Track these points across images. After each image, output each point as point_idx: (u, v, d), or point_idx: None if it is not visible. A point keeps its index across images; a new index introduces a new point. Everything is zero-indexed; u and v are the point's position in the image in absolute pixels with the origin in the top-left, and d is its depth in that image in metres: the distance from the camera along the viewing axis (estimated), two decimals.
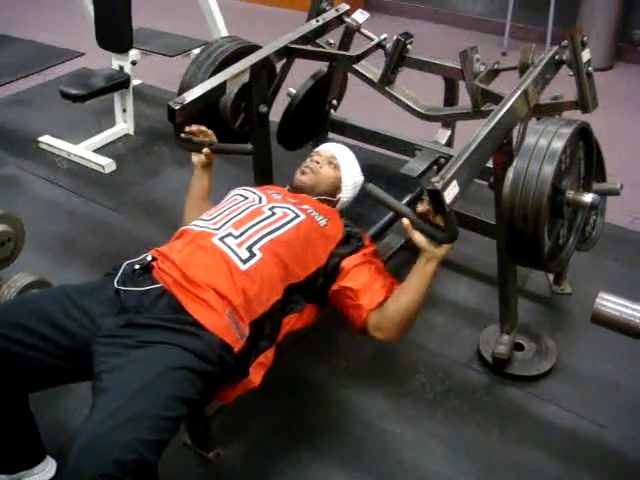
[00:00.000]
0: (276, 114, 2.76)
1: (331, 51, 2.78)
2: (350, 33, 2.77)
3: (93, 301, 1.78)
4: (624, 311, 1.65)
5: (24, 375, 1.75)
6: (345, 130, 3.17)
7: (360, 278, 1.96)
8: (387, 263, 2.54)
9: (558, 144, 1.85)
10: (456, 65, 2.52)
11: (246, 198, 2.08)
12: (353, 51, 2.67)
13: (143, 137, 4.11)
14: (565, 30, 2.36)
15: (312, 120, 3.02)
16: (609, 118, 3.27)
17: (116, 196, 3.54)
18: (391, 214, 2.45)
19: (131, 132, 4.13)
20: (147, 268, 1.84)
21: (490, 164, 2.14)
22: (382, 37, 2.66)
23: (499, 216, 2.22)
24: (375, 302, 1.91)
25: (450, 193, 1.67)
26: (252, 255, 1.86)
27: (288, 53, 2.59)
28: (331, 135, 3.18)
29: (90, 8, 3.99)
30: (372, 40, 2.67)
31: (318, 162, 2.28)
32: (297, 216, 2.00)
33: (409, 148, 3.04)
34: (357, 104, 3.46)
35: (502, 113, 1.94)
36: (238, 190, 2.17)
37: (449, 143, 3.18)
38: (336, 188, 2.28)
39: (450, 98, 3.04)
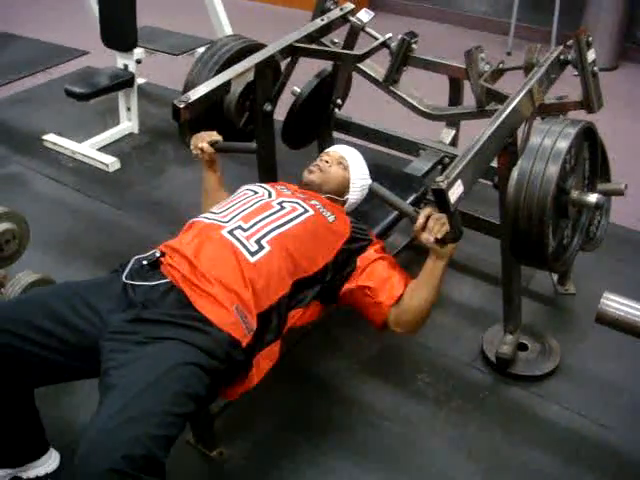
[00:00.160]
0: (280, 113, 2.76)
1: (336, 50, 2.78)
2: (355, 32, 2.76)
3: (100, 297, 1.78)
4: (629, 311, 1.64)
5: (30, 371, 1.75)
6: (349, 129, 3.17)
7: (376, 275, 1.98)
8: None
9: (563, 144, 1.85)
10: (461, 64, 2.52)
11: (256, 192, 2.10)
12: (358, 50, 2.67)
13: (147, 136, 4.11)
14: (570, 30, 2.37)
15: (316, 119, 3.02)
16: (614, 118, 3.27)
17: (120, 194, 3.55)
18: (395, 213, 2.45)
19: (135, 131, 4.13)
20: (155, 264, 1.84)
21: (495, 164, 2.14)
22: (387, 36, 2.66)
23: (503, 216, 2.21)
24: (394, 297, 1.94)
25: (455, 193, 1.67)
26: (261, 248, 1.87)
27: (293, 52, 2.59)
28: (335, 134, 3.18)
29: (95, 7, 4.00)
30: (377, 39, 2.67)
31: (327, 162, 2.29)
32: (306, 211, 2.02)
33: (413, 147, 3.04)
34: (361, 103, 3.46)
35: (507, 113, 1.94)
36: (248, 185, 2.19)
37: (453, 143, 3.18)
38: (344, 189, 2.28)
39: (455, 98, 3.03)
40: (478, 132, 1.86)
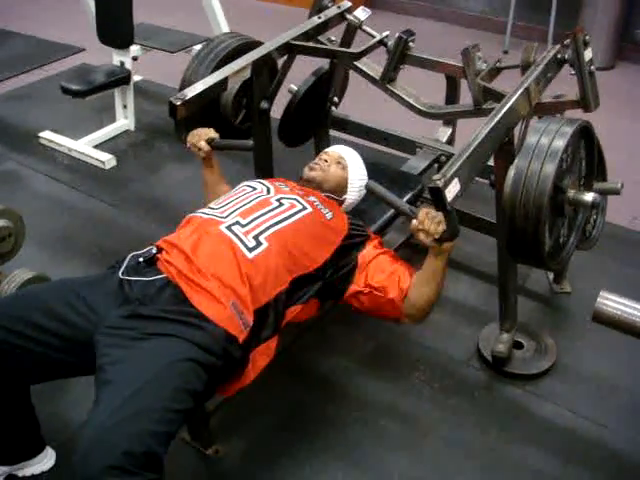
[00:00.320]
0: (277, 111, 2.76)
1: (333, 48, 2.78)
2: (352, 30, 2.76)
3: (95, 293, 1.78)
4: (625, 310, 1.64)
5: (25, 367, 1.75)
6: (346, 127, 3.17)
7: (381, 271, 1.99)
8: None
9: (559, 143, 1.85)
10: (458, 63, 2.52)
11: (254, 189, 2.10)
12: (355, 48, 2.67)
13: (144, 133, 4.10)
14: (567, 29, 2.36)
15: (313, 117, 3.02)
16: (610, 117, 3.27)
17: (116, 192, 3.54)
18: (392, 211, 2.45)
19: (132, 128, 4.13)
20: (152, 260, 1.84)
21: (491, 162, 2.14)
22: (384, 34, 2.66)
23: (500, 215, 2.22)
24: (404, 291, 1.94)
25: (451, 191, 1.67)
26: (259, 244, 1.87)
27: (289, 50, 2.58)
28: (332, 132, 3.18)
29: (91, 3, 3.98)
30: (374, 37, 2.66)
31: (326, 161, 2.30)
32: (304, 208, 2.02)
33: (410, 146, 3.05)
34: (358, 101, 3.46)
35: (504, 111, 1.94)
36: (247, 181, 2.19)
37: (450, 141, 3.18)
38: (342, 188, 2.29)
39: (452, 96, 3.03)
40: (475, 131, 1.86)
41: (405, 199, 2.52)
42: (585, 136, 2.05)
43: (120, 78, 3.83)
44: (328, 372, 2.47)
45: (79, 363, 1.75)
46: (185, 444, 2.16)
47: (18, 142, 3.98)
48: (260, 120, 2.64)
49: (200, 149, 2.27)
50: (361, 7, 2.76)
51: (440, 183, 1.64)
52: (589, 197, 1.93)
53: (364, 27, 2.74)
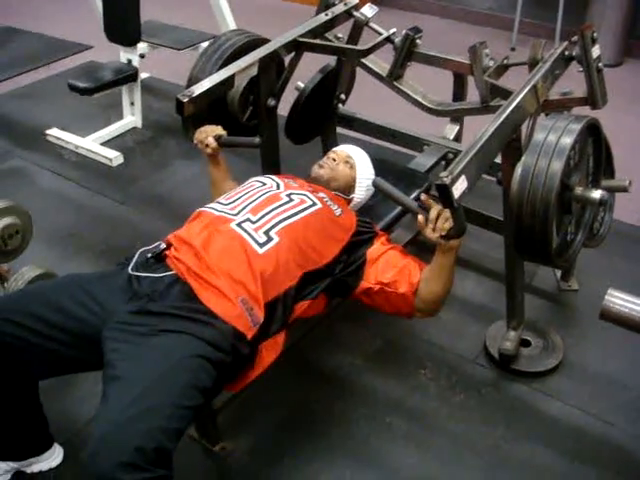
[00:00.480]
0: (284, 108, 2.76)
1: (339, 45, 2.77)
2: (359, 27, 2.75)
3: (103, 288, 1.79)
4: (633, 308, 1.64)
5: (33, 362, 1.76)
6: (353, 125, 3.16)
7: (391, 267, 1.99)
8: None
9: (567, 140, 1.84)
10: (465, 60, 2.51)
11: (264, 184, 2.10)
12: (362, 45, 2.66)
13: (151, 130, 4.11)
14: (574, 26, 2.35)
15: (320, 114, 3.01)
16: (618, 114, 3.26)
17: (123, 189, 3.55)
18: (399, 209, 2.45)
19: (139, 125, 4.13)
20: (160, 256, 1.85)
21: (498, 160, 2.14)
22: (391, 31, 2.65)
23: (507, 212, 2.21)
24: (414, 285, 1.94)
25: (458, 188, 1.67)
26: (269, 239, 1.87)
27: (296, 47, 2.58)
28: (339, 129, 3.18)
29: (98, 1, 3.99)
30: (381, 34, 2.66)
31: (335, 159, 2.30)
32: (314, 204, 2.03)
33: (417, 143, 3.04)
34: (365, 99, 3.45)
35: (511, 108, 1.94)
36: (256, 177, 2.20)
37: (457, 138, 3.17)
38: (350, 187, 2.30)
39: (459, 93, 3.02)
40: (482, 128, 1.85)
41: (412, 196, 2.51)
42: (593, 133, 2.04)
43: (127, 75, 3.84)
44: (335, 369, 2.48)
45: (86, 358, 1.75)
46: (192, 441, 2.17)
47: (25, 139, 3.99)
48: (267, 117, 2.64)
49: (207, 145, 2.27)
50: (368, 4, 2.75)
51: (447, 180, 1.64)
52: (597, 194, 1.93)
53: (371, 24, 2.74)
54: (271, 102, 2.60)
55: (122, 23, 3.82)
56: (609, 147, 2.32)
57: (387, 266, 1.99)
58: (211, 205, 2.05)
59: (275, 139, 2.77)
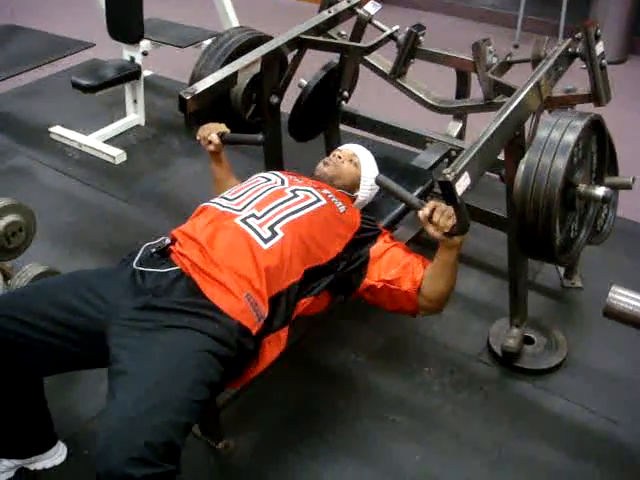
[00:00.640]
0: (287, 105, 2.76)
1: (343, 42, 2.77)
2: (362, 24, 2.75)
3: (107, 284, 1.79)
4: (637, 305, 1.63)
5: (37, 359, 1.76)
6: (356, 122, 3.16)
7: (394, 265, 1.99)
8: None
9: (570, 137, 1.84)
10: (468, 57, 2.51)
11: (269, 180, 2.11)
12: (365, 42, 2.66)
13: (154, 128, 4.11)
14: (577, 23, 2.35)
15: (323, 111, 3.01)
16: (622, 111, 3.25)
17: (127, 187, 3.55)
18: (402, 206, 2.45)
19: (142, 123, 4.13)
20: (165, 251, 1.85)
21: (502, 157, 2.13)
22: (394, 29, 2.65)
23: (510, 209, 2.21)
24: (417, 282, 1.94)
25: (461, 185, 1.66)
26: (274, 234, 1.87)
27: (299, 44, 2.58)
28: (342, 127, 3.17)
29: None
30: (384, 31, 2.66)
31: (340, 157, 2.31)
32: (318, 200, 2.03)
33: (420, 140, 3.03)
34: (368, 96, 3.45)
35: (514, 105, 1.93)
36: (260, 173, 2.20)
37: (460, 136, 3.17)
38: (354, 186, 2.30)
39: (462, 90, 3.02)
40: (485, 125, 1.85)
41: (415, 193, 2.51)
42: (596, 130, 2.04)
43: (130, 73, 3.84)
44: (338, 366, 2.48)
45: (91, 355, 1.76)
46: (195, 438, 2.17)
47: (29, 137, 4.00)
48: (270, 114, 2.64)
49: (210, 143, 2.27)
50: (371, 1, 2.75)
51: (450, 177, 1.63)
52: (600, 191, 1.92)
53: (374, 21, 2.74)
54: (274, 99, 2.59)
55: (125, 21, 3.82)
56: (613, 144, 2.31)
57: (390, 263, 1.99)
58: (216, 200, 2.05)
59: (278, 136, 2.77)
